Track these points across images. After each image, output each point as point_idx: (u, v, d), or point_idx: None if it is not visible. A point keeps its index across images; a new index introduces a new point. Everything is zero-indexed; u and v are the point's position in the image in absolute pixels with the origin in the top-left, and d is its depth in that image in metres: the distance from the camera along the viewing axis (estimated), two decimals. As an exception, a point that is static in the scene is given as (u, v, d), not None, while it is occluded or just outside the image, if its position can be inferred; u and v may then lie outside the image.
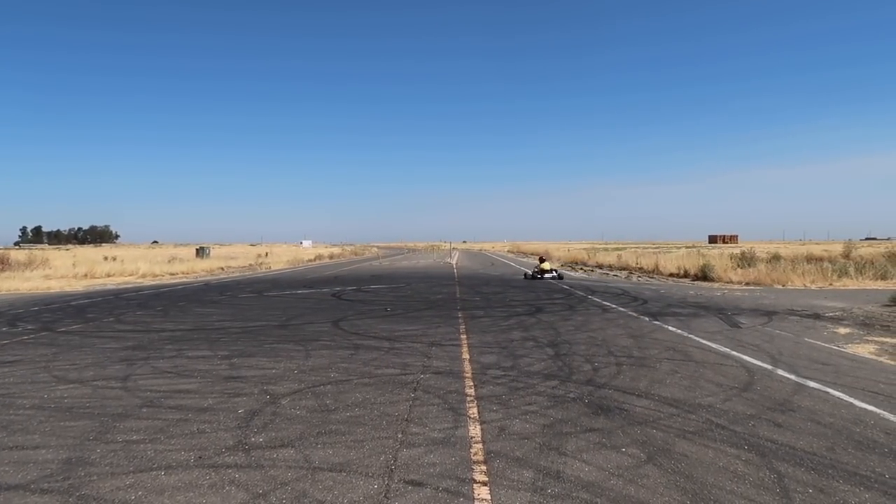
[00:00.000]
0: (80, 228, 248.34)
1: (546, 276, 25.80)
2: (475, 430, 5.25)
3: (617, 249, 63.65)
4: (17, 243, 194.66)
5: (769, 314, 13.43)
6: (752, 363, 8.14)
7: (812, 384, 6.93)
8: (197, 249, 62.93)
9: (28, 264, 33.17)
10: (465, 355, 8.75)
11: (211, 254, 60.73)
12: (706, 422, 5.50)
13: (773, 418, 5.61)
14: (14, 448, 4.90)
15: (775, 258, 29.22)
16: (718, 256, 32.39)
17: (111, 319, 13.46)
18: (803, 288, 21.29)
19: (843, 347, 9.38)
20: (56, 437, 5.15)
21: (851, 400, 6.26)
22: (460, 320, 12.69)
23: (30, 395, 6.61)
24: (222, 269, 39.80)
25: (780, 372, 7.59)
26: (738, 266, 26.84)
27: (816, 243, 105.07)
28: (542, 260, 27.57)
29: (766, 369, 7.76)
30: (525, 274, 28.61)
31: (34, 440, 5.10)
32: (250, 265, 44.88)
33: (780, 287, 21.75)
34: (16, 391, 6.82)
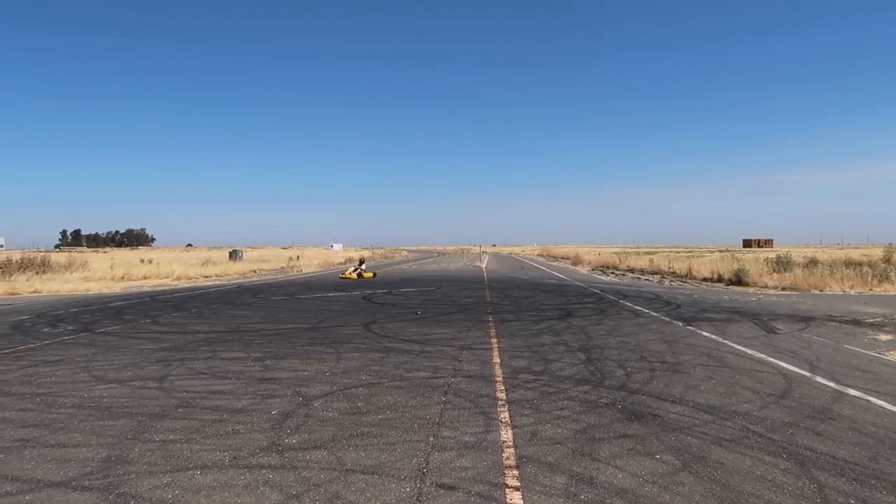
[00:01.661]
0: (117, 232, 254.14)
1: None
2: (507, 435, 5.23)
3: (648, 253, 62.98)
4: (57, 246, 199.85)
5: (806, 320, 13.15)
6: (790, 370, 7.97)
7: (852, 392, 6.76)
8: (230, 252, 63.83)
9: (68, 266, 33.98)
10: (496, 359, 8.73)
11: (244, 257, 61.52)
12: (742, 429, 5.40)
13: (812, 426, 5.49)
14: (56, 446, 5.02)
15: (812, 262, 28.57)
16: (753, 261, 31.82)
17: (147, 321, 13.74)
18: (842, 293, 20.79)
19: (884, 354, 9.13)
20: (96, 436, 5.27)
21: (894, 408, 6.09)
22: (490, 324, 12.66)
23: (70, 395, 6.78)
24: (255, 271, 40.29)
25: (819, 379, 7.42)
26: (774, 270, 26.33)
27: (855, 247, 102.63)
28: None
29: (804, 376, 7.59)
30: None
31: (75, 438, 5.22)
32: (282, 268, 45.37)
33: (817, 292, 21.27)
34: (57, 390, 7.00)
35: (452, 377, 7.56)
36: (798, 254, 41.53)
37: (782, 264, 27.51)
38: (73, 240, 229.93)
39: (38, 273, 29.05)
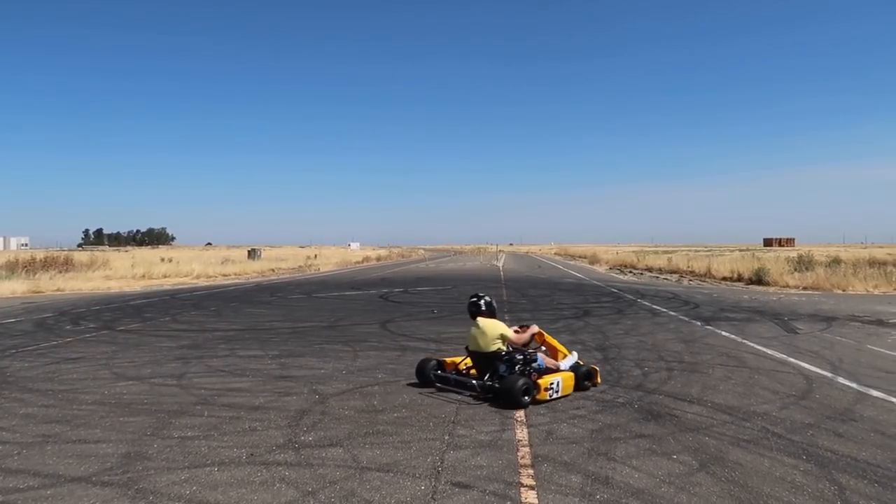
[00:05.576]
0: (138, 231, 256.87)
1: None
2: (522, 434, 5.21)
3: (667, 252, 62.41)
4: (79, 245, 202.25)
5: (828, 320, 12.97)
6: (811, 370, 7.86)
7: (875, 393, 6.65)
8: (248, 251, 64.19)
9: (90, 265, 34.34)
10: (512, 358, 8.69)
11: (262, 255, 61.78)
12: (762, 430, 5.33)
13: (833, 428, 5.41)
14: (77, 442, 5.09)
15: (835, 262, 28.13)
16: (774, 260, 31.42)
17: (167, 319, 13.89)
18: (865, 293, 20.48)
19: (908, 355, 8.98)
20: (116, 432, 5.34)
21: (918, 410, 5.98)
22: (507, 323, 12.60)
23: (91, 391, 6.87)
24: (273, 270, 40.55)
25: (841, 380, 7.31)
26: (795, 270, 25.97)
27: (879, 247, 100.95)
28: None
29: (825, 377, 7.48)
30: None
31: (96, 434, 5.29)
32: (300, 267, 45.59)
33: (839, 292, 20.97)
34: (79, 387, 7.10)
35: (468, 376, 7.53)
36: (820, 253, 40.96)
37: (804, 263, 27.14)
38: (96, 239, 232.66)
39: (61, 272, 29.42)
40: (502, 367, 6.49)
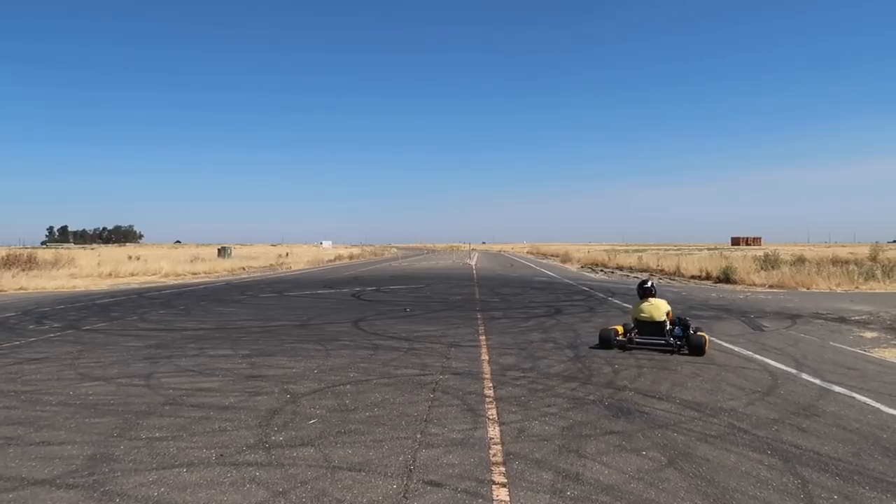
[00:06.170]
0: (104, 228, 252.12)
1: None
2: (494, 432, 5.24)
3: (638, 251, 63.17)
4: (43, 243, 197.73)
5: (793, 317, 13.25)
6: (776, 367, 8.03)
7: (837, 389, 6.82)
8: (219, 249, 63.38)
9: (54, 263, 33.63)
10: (485, 356, 8.74)
11: (232, 254, 61.09)
12: (728, 426, 5.44)
13: (797, 423, 5.53)
14: (41, 444, 4.98)
15: (799, 261, 28.76)
16: (741, 258, 31.98)
17: (135, 318, 13.65)
18: (828, 291, 20.95)
19: (869, 352, 9.22)
20: (81, 434, 5.24)
21: (878, 405, 6.15)
22: (479, 321, 12.68)
23: (56, 392, 6.73)
24: (243, 268, 40.12)
25: (805, 376, 7.48)
26: (762, 268, 26.47)
27: (842, 246, 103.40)
28: None
29: (789, 373, 7.65)
30: None
31: (60, 436, 5.19)
32: (271, 265, 45.18)
33: (804, 290, 21.43)
34: (42, 388, 6.94)
35: (441, 374, 7.56)
36: (786, 252, 41.82)
37: (770, 262, 27.68)
38: (60, 236, 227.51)
39: (24, 270, 28.74)
40: (676, 330, 9.15)
